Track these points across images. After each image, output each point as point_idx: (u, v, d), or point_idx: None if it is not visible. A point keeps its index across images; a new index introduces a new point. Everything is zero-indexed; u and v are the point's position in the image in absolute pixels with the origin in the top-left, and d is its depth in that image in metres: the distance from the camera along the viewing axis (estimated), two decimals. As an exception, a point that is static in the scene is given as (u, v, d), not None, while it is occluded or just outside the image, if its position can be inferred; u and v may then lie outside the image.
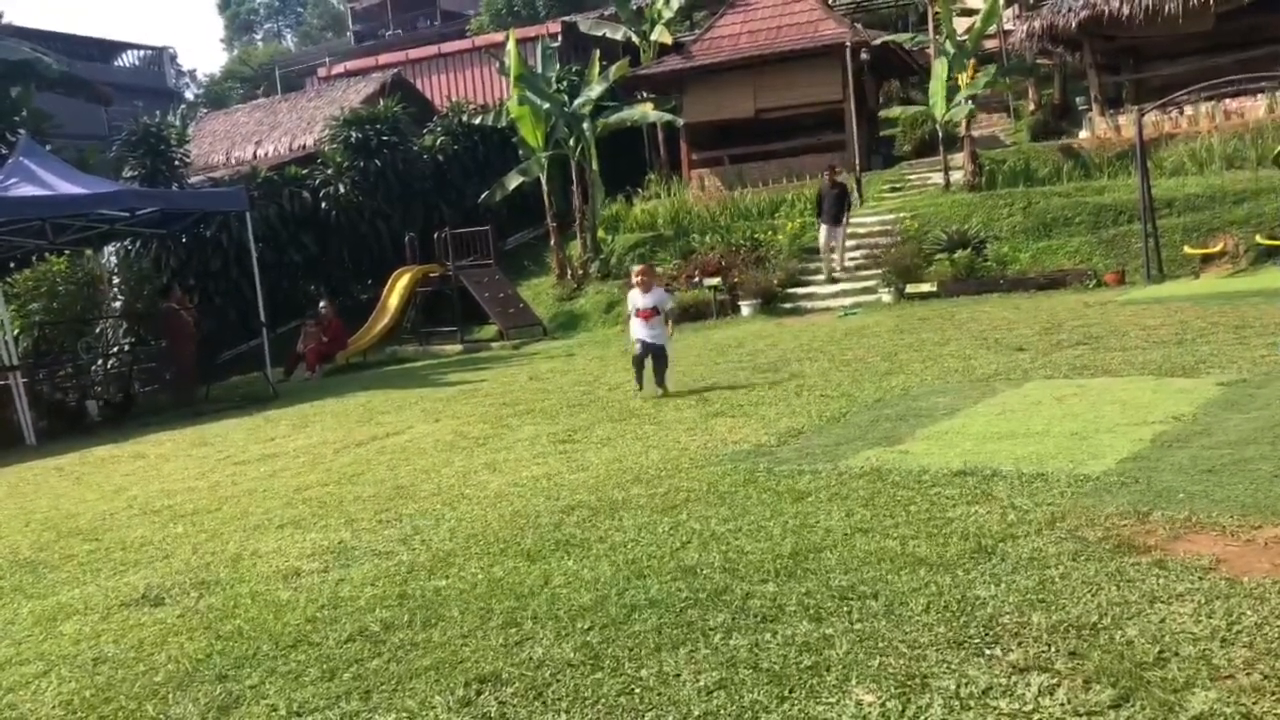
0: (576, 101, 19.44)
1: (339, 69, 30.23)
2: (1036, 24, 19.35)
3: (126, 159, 19.86)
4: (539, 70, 20.02)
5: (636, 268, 9.44)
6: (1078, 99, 22.09)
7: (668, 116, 20.81)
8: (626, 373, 9.61)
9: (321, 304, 18.14)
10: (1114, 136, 18.50)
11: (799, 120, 21.81)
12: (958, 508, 4.45)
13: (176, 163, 20.46)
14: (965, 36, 18.11)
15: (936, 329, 11.12)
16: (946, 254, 15.12)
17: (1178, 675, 2.74)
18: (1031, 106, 23.27)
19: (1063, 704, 2.66)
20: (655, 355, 8.86)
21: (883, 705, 2.76)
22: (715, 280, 16.09)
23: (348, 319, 18.55)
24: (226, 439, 10.00)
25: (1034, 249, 15.27)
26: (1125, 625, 3.07)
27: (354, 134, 20.87)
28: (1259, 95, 17.63)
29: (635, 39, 24.22)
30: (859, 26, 22.21)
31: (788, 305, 15.73)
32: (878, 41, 20.44)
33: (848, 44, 20.12)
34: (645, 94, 23.79)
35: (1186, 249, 13.80)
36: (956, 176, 18.31)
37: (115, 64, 45.84)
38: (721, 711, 2.84)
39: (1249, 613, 3.07)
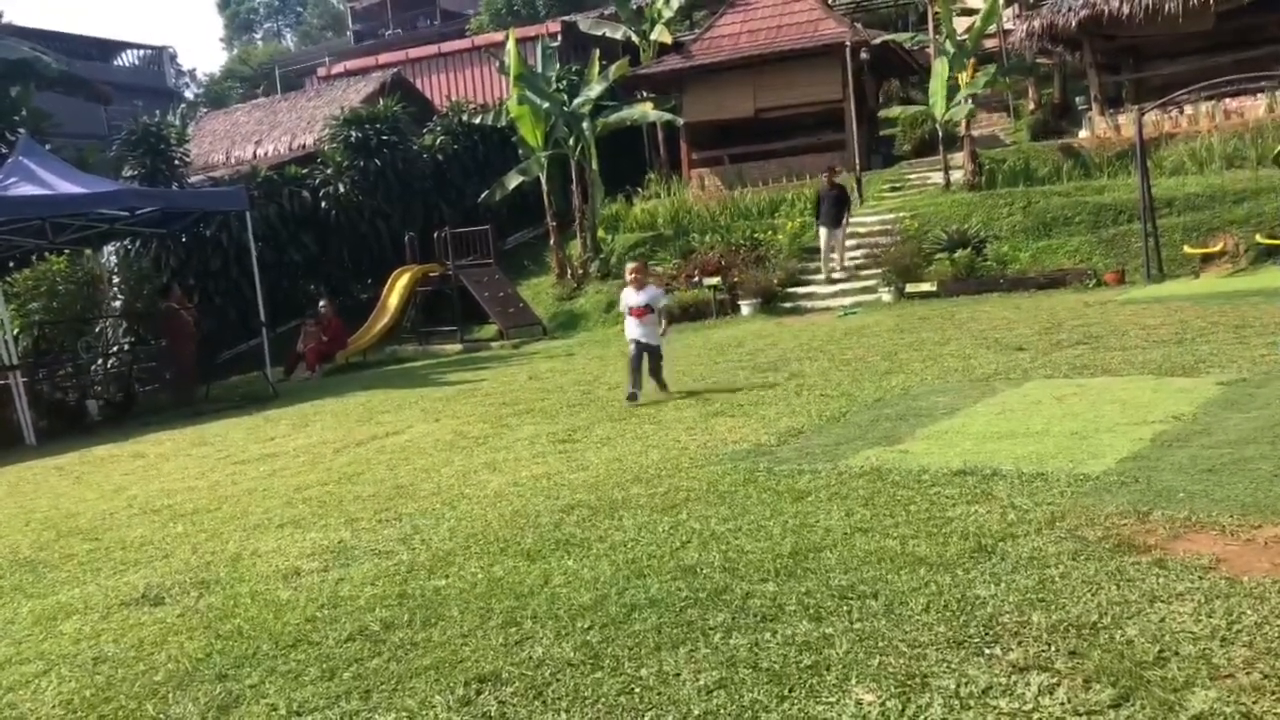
0: (576, 101, 19.44)
1: (339, 68, 30.22)
2: (1036, 23, 19.36)
3: (126, 158, 19.86)
4: (539, 70, 20.02)
5: (630, 265, 9.29)
6: (1077, 98, 22.09)
7: (667, 116, 20.81)
8: (626, 372, 9.37)
9: (321, 303, 18.14)
10: (1114, 136, 18.50)
11: (799, 120, 21.82)
12: (957, 507, 4.45)
13: (176, 162, 20.46)
14: (965, 36, 18.11)
15: (936, 328, 11.12)
16: (946, 253, 15.12)
17: (1178, 674, 2.73)
18: (1031, 106, 23.28)
19: (1063, 703, 2.66)
20: (650, 354, 8.74)
21: (882, 704, 2.76)
22: (715, 280, 16.08)
23: (347, 318, 18.55)
24: (226, 438, 10.00)
25: (1034, 248, 15.27)
26: (1125, 624, 3.07)
27: (354, 133, 20.87)
28: (1259, 95, 17.64)
29: (635, 38, 24.23)
30: (859, 26, 22.21)
31: (787, 305, 15.73)
32: (877, 41, 20.44)
33: (847, 43, 20.13)
34: (645, 93, 23.79)
35: (1186, 248, 13.80)
36: (956, 176, 18.31)
37: (115, 63, 45.81)
38: (721, 711, 2.84)
39: (1249, 612, 3.07)
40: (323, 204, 20.81)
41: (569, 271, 19.56)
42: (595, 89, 19.37)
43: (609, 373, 10.99)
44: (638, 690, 3.02)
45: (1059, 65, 22.45)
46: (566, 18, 27.30)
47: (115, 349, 16.83)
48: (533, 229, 22.44)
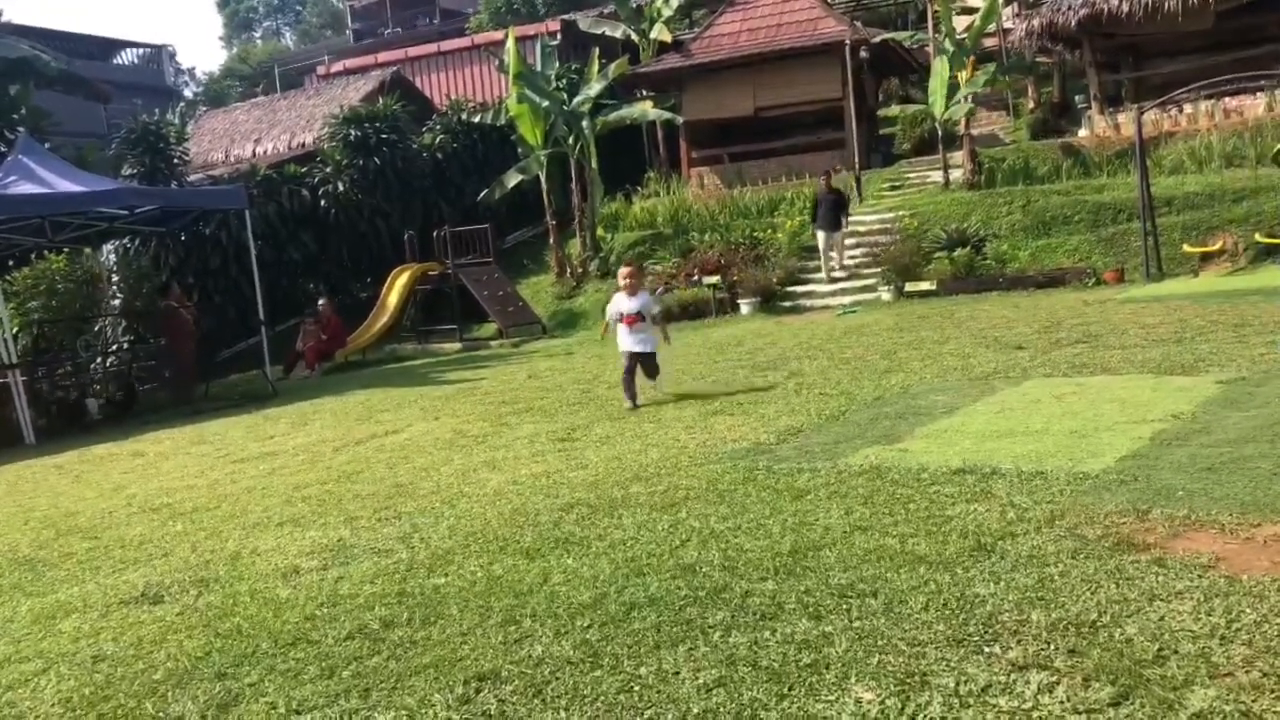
0: (576, 99, 19.44)
1: (338, 67, 30.21)
2: (1036, 22, 19.36)
3: (125, 157, 19.86)
4: (538, 68, 20.02)
5: (623, 268, 8.75)
6: (1077, 97, 22.10)
7: (667, 115, 20.81)
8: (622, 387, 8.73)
9: (320, 302, 18.14)
10: (1113, 135, 18.50)
11: (798, 118, 21.82)
12: (957, 506, 4.44)
13: (175, 161, 20.46)
14: (965, 34, 18.12)
15: (936, 327, 11.12)
16: (946, 252, 15.13)
17: (1177, 673, 2.73)
18: (1031, 105, 23.29)
19: (1062, 702, 2.66)
20: (644, 361, 8.36)
21: (882, 703, 2.76)
22: (714, 278, 16.09)
23: (347, 317, 18.56)
24: (225, 437, 10.00)
25: (1033, 247, 15.27)
26: (1124, 623, 3.07)
27: (353, 132, 20.86)
28: (1258, 94, 17.66)
29: (635, 37, 24.23)
30: (858, 24, 22.22)
31: (787, 303, 15.73)
32: (877, 39, 20.45)
33: (847, 42, 20.14)
34: (644, 92, 23.80)
35: (1186, 247, 13.80)
36: (956, 175, 18.31)
37: (114, 62, 45.81)
38: (721, 709, 2.84)
39: (1248, 610, 3.07)
40: (322, 202, 20.81)
41: (568, 270, 19.56)
42: (595, 88, 19.37)
43: (608, 371, 10.99)
44: (637, 688, 3.02)
45: (1058, 64, 22.45)
46: (566, 16, 27.31)
47: (114, 347, 16.83)
48: (532, 228, 22.44)
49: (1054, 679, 2.77)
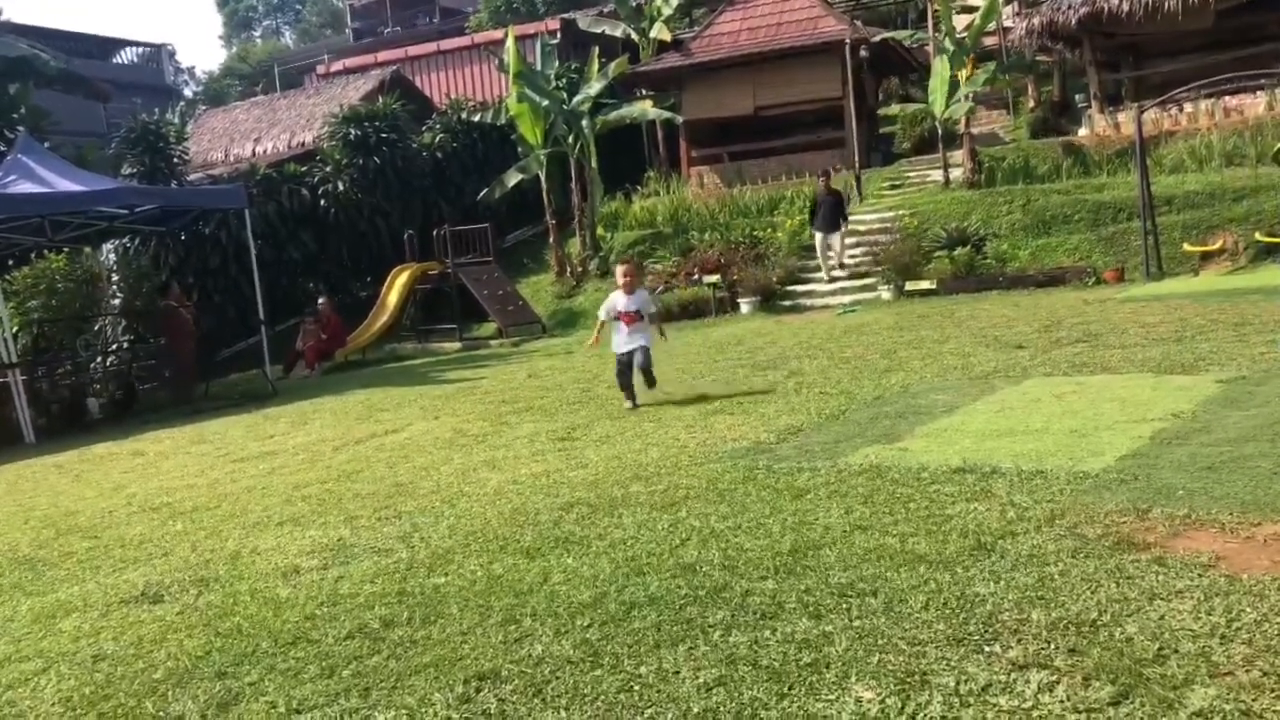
0: (575, 99, 19.43)
1: (338, 66, 30.20)
2: (1036, 21, 19.36)
3: (125, 156, 19.86)
4: (538, 67, 20.01)
5: (621, 265, 8.65)
6: (1077, 96, 22.10)
7: (667, 114, 20.81)
8: (619, 389, 8.56)
9: (320, 301, 18.14)
10: (1113, 134, 18.50)
11: (798, 117, 21.82)
12: (957, 505, 4.44)
13: (175, 160, 20.45)
14: (965, 33, 18.12)
15: (936, 326, 11.12)
16: (946, 251, 15.12)
17: (1177, 672, 2.73)
18: (1031, 104, 23.29)
19: (1062, 701, 2.65)
20: (640, 359, 8.20)
21: (882, 702, 2.76)
22: (714, 277, 16.08)
23: (347, 316, 18.56)
24: (225, 436, 10.00)
25: (1033, 246, 15.27)
26: (1125, 622, 3.07)
27: (353, 131, 20.86)
28: (1258, 92, 17.66)
29: (634, 36, 24.22)
30: (858, 24, 22.22)
31: (787, 303, 15.73)
32: (877, 39, 20.44)
33: (847, 41, 20.14)
34: (644, 91, 23.79)
35: (1186, 246, 13.80)
36: (956, 174, 18.31)
37: (114, 61, 45.84)
38: (721, 708, 2.84)
39: (1248, 609, 3.07)
40: (322, 202, 20.80)
41: (568, 269, 19.55)
42: (594, 87, 19.36)
43: (608, 371, 10.95)
44: (637, 688, 3.02)
45: (1059, 63, 22.44)
46: (566, 15, 27.29)
47: (114, 347, 16.82)
48: (532, 227, 22.43)
49: (1054, 678, 2.77)
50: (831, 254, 16.20)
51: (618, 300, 8.39)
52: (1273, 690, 2.60)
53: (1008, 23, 22.44)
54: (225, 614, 4.20)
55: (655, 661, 3.18)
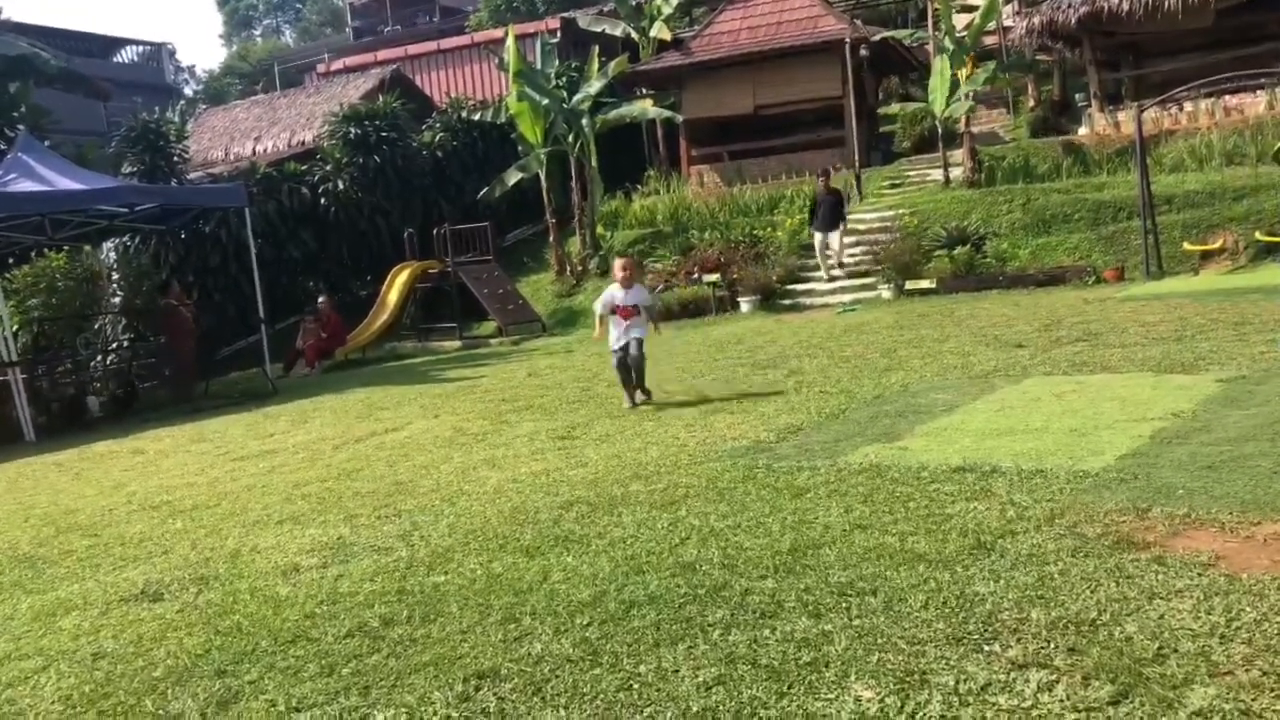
0: (575, 98, 19.43)
1: (338, 65, 30.20)
2: (1036, 20, 19.35)
3: (125, 155, 19.85)
4: (538, 66, 20.01)
5: (619, 260, 8.53)
6: (1077, 95, 22.09)
7: (667, 113, 20.81)
8: (619, 387, 8.49)
9: (320, 300, 18.13)
10: (1113, 133, 18.49)
11: (798, 116, 21.81)
12: (957, 504, 4.44)
13: (175, 158, 20.45)
14: (965, 33, 18.11)
15: (936, 325, 11.12)
16: (946, 250, 15.12)
17: (1177, 672, 2.73)
18: (1031, 103, 23.28)
19: (1062, 700, 2.66)
20: (634, 353, 8.07)
21: (881, 701, 2.76)
22: (714, 276, 16.08)
23: (347, 315, 18.55)
24: (225, 435, 10.00)
25: (1033, 245, 15.27)
26: (1124, 621, 3.07)
27: (353, 130, 20.85)
28: (1259, 92, 17.65)
29: (634, 35, 24.21)
30: (858, 23, 22.20)
31: (787, 301, 15.73)
32: (877, 38, 20.43)
33: (847, 40, 20.13)
34: (644, 90, 23.79)
35: (1186, 245, 13.80)
36: (956, 173, 18.30)
37: (114, 60, 45.85)
38: (720, 707, 2.84)
39: (1248, 609, 3.07)
40: (322, 200, 20.80)
41: (568, 268, 19.55)
42: (594, 86, 19.36)
43: (608, 370, 10.93)
44: (636, 687, 3.02)
45: (1059, 62, 22.44)
46: (566, 14, 27.29)
47: (115, 345, 16.83)
48: (532, 226, 22.43)
49: (1054, 677, 2.77)
50: (830, 253, 16.20)
51: (615, 294, 8.26)
52: (1273, 690, 2.60)
53: (1008, 22, 22.44)
54: (225, 612, 4.20)
55: (654, 660, 3.18)
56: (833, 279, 16.03)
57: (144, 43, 48.57)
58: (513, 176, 19.76)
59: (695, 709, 2.84)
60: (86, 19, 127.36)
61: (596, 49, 20.98)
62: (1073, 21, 18.70)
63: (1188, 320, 9.21)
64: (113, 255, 18.76)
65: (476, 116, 21.66)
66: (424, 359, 16.55)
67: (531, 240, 22.36)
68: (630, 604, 3.67)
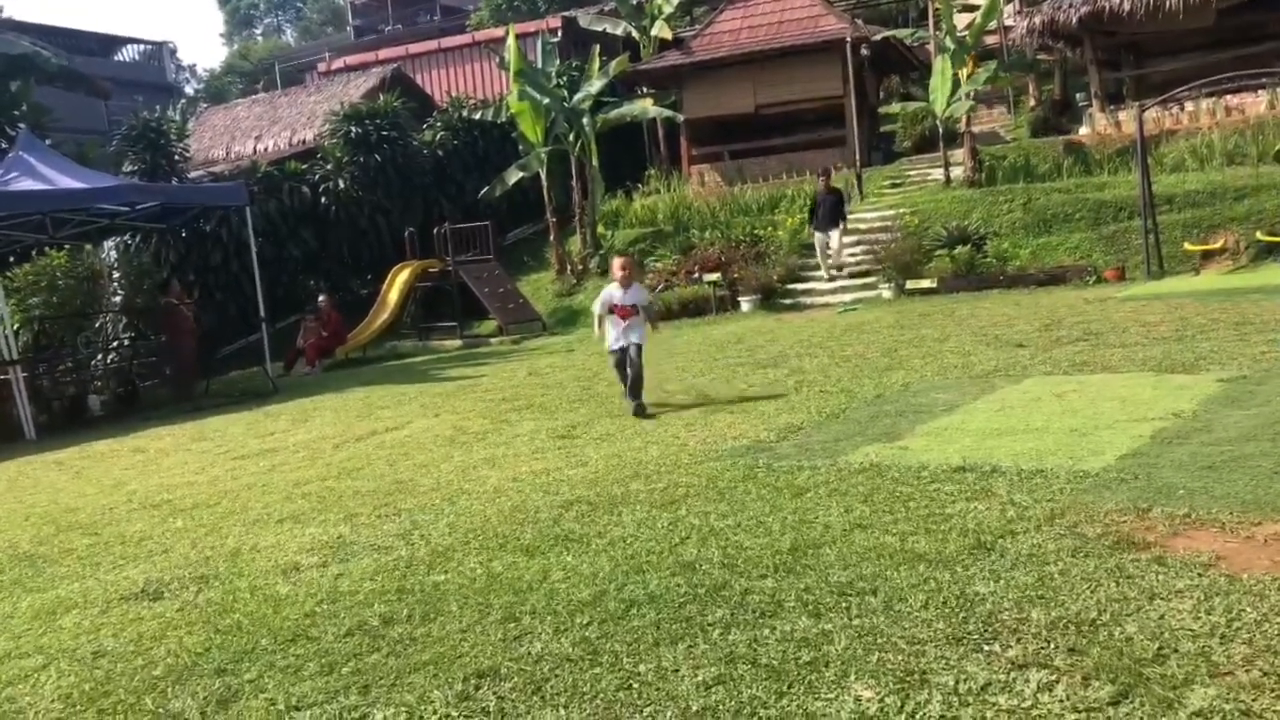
0: (576, 97, 19.42)
1: (339, 64, 30.18)
2: (1037, 20, 19.34)
3: (126, 153, 19.84)
4: (539, 65, 20.00)
5: (617, 259, 8.41)
6: (1078, 95, 22.08)
7: (668, 112, 20.79)
8: (620, 387, 8.33)
9: (321, 299, 18.12)
10: (1114, 132, 18.48)
11: (799, 116, 21.80)
12: (957, 504, 4.44)
13: (176, 157, 20.44)
14: (966, 32, 18.09)
15: (936, 325, 11.11)
16: (946, 250, 15.11)
17: (1177, 672, 2.73)
18: (1032, 102, 23.27)
19: (1062, 700, 2.65)
20: (632, 355, 7.89)
21: (881, 701, 2.76)
22: (715, 275, 16.08)
23: (347, 314, 18.55)
24: (226, 434, 10.00)
25: (1034, 245, 15.26)
26: (1124, 622, 3.07)
27: (354, 129, 20.84)
28: (1260, 91, 17.64)
29: (635, 34, 24.19)
30: (859, 22, 22.21)
31: (787, 301, 15.73)
32: (878, 37, 20.42)
33: (848, 39, 20.12)
34: (645, 89, 23.77)
35: (1187, 245, 13.79)
36: (957, 172, 18.30)
37: (115, 58, 45.81)
38: (720, 707, 2.84)
39: (1248, 609, 3.07)
40: (323, 199, 20.79)
41: (569, 267, 19.55)
42: (595, 85, 19.35)
43: (608, 369, 10.97)
44: (636, 686, 3.02)
45: (1060, 62, 22.43)
46: (567, 13, 27.27)
47: (115, 344, 16.82)
48: (532, 225, 22.42)
49: (1054, 677, 2.77)
50: (830, 253, 16.19)
51: (614, 294, 8.15)
52: (1273, 690, 2.59)
53: (1009, 21, 22.43)
54: (225, 611, 4.20)
55: (654, 660, 3.18)
56: (833, 279, 16.03)
57: (145, 41, 48.55)
58: (513, 175, 19.75)
59: (695, 708, 2.84)
60: (87, 18, 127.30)
61: (597, 48, 20.97)
62: (1074, 21, 18.69)
63: (1188, 320, 9.21)
64: (114, 254, 18.76)
65: (477, 115, 21.65)
66: (424, 358, 16.55)
67: (532, 239, 22.36)
68: (630, 603, 3.67)
